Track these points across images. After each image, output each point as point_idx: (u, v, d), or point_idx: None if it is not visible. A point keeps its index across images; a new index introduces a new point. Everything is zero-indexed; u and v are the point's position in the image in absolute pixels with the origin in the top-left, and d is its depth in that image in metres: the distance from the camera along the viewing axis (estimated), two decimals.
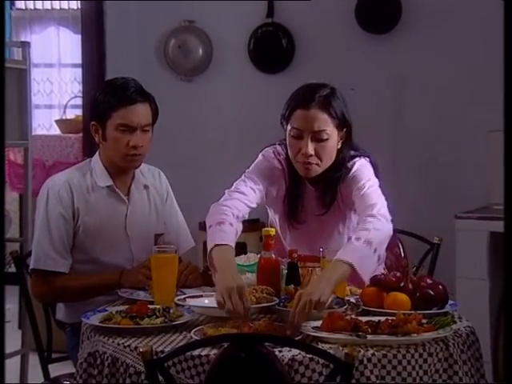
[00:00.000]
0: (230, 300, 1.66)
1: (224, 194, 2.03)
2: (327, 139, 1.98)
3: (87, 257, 2.13)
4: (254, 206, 2.05)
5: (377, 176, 2.05)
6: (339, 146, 2.03)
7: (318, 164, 2.00)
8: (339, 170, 2.04)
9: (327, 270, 1.78)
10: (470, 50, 3.55)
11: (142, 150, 2.12)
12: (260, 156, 2.14)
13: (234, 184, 2.06)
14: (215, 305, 1.76)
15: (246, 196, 2.02)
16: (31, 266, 2.11)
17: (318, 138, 1.97)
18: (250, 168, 2.11)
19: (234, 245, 1.86)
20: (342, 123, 2.01)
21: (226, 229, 1.88)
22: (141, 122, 2.09)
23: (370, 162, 2.08)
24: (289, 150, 2.04)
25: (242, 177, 2.08)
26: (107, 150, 2.14)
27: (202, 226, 3.80)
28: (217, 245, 1.82)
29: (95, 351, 1.66)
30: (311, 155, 1.98)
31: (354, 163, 2.05)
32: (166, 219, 2.27)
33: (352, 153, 2.06)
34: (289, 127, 2.01)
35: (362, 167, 2.04)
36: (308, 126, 1.96)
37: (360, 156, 2.07)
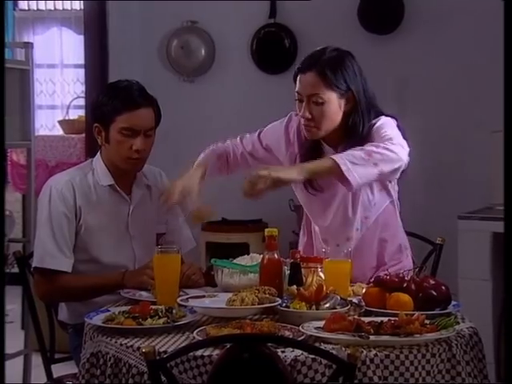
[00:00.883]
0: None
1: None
2: (323, 103, 2.00)
3: (89, 256, 2.14)
4: (247, 156, 2.19)
5: (403, 136, 2.03)
6: (346, 109, 2.03)
7: (316, 127, 2.03)
8: (357, 134, 2.02)
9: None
10: (473, 51, 3.55)
11: (144, 154, 2.13)
12: (279, 120, 2.20)
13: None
14: (218, 305, 1.76)
15: (243, 145, 2.20)
16: (34, 265, 2.11)
17: (314, 101, 2.01)
18: (269, 126, 2.22)
19: (205, 165, 2.13)
20: (344, 87, 2.01)
21: (204, 157, 2.19)
22: (144, 127, 2.10)
23: (397, 124, 2.07)
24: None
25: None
26: (110, 152, 2.15)
27: (205, 227, 3.82)
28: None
29: (98, 351, 1.66)
30: (307, 118, 2.01)
31: (379, 119, 2.05)
32: (167, 219, 2.27)
33: (378, 112, 2.06)
34: (295, 93, 2.06)
35: (386, 121, 2.04)
36: (304, 89, 2.02)
37: (386, 115, 2.07)
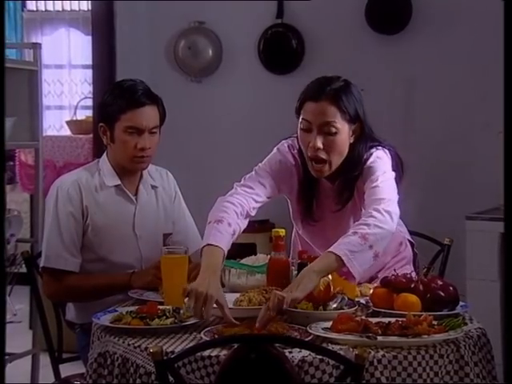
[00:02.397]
0: (195, 304, 1.67)
1: (233, 187, 2.00)
2: (336, 133, 1.93)
3: (95, 256, 2.14)
4: (263, 199, 2.01)
5: (397, 169, 2.00)
6: (351, 141, 1.98)
7: (327, 160, 1.94)
8: (356, 167, 1.98)
9: (314, 262, 1.79)
10: (480, 51, 3.54)
11: (149, 152, 2.13)
12: (275, 149, 2.10)
13: (244, 178, 2.04)
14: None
15: (253, 190, 1.99)
16: (42, 265, 2.12)
17: (326, 131, 1.93)
18: (263, 161, 2.07)
19: (226, 246, 1.83)
20: (354, 117, 1.95)
21: (223, 229, 1.85)
22: (149, 125, 2.10)
23: (390, 153, 2.02)
24: (300, 144, 2.00)
25: (253, 171, 2.05)
26: (115, 151, 2.15)
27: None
28: (208, 244, 1.81)
29: (105, 351, 1.66)
30: (319, 148, 1.93)
31: (371, 154, 1.99)
32: (174, 219, 2.27)
33: (370, 144, 2.00)
34: (299, 120, 1.98)
35: (378, 159, 1.98)
36: (316, 118, 1.93)
37: (378, 147, 2.01)
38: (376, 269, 2.13)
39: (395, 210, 1.87)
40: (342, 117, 1.93)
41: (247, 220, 1.96)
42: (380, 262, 2.12)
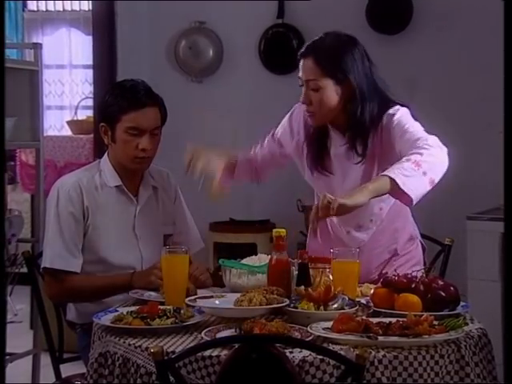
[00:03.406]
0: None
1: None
2: (318, 89, 2.02)
3: (96, 256, 2.14)
4: (268, 157, 2.26)
5: None
6: (344, 96, 2.02)
7: (314, 112, 2.05)
8: (361, 121, 2.03)
9: (369, 182, 1.86)
10: (482, 51, 3.54)
11: (150, 153, 2.13)
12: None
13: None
14: (226, 306, 1.76)
15: (261, 147, 2.28)
16: (43, 265, 2.12)
17: (311, 87, 2.03)
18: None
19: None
20: (340, 74, 2.02)
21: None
22: (150, 126, 2.10)
23: (410, 112, 2.07)
24: None
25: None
26: (116, 151, 2.15)
27: (212, 227, 3.82)
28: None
29: (106, 351, 1.66)
30: (305, 103, 2.05)
31: (398, 110, 2.04)
32: (175, 220, 2.27)
33: (390, 99, 2.07)
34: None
35: (405, 113, 2.03)
36: (302, 75, 2.06)
37: (401, 104, 2.06)
38: (384, 263, 2.14)
39: (440, 143, 1.92)
40: (323, 73, 2.02)
41: (249, 165, 2.28)
42: (390, 249, 2.14)
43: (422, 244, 2.25)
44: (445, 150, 1.92)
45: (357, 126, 2.05)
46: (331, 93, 2.03)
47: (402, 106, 2.07)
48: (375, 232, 2.13)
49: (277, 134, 2.26)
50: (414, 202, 1.85)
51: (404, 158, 1.86)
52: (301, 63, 2.07)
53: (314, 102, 2.03)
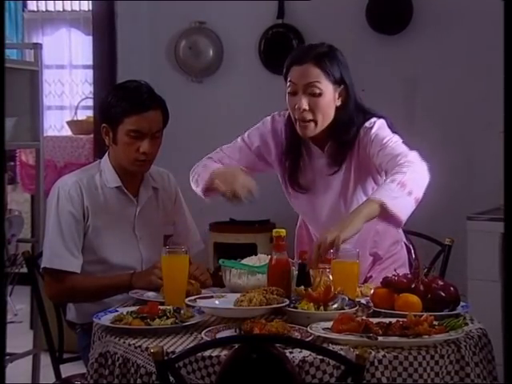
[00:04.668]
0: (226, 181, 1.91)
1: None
2: (320, 94, 1.98)
3: (96, 257, 2.14)
4: (238, 162, 2.14)
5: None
6: (338, 104, 2.02)
7: (313, 120, 2.00)
8: (347, 131, 2.02)
9: (356, 208, 1.84)
10: (481, 51, 3.54)
11: (151, 156, 2.13)
12: (259, 123, 2.19)
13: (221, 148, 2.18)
14: (226, 306, 1.76)
15: (228, 155, 2.16)
16: (43, 265, 2.12)
17: (310, 92, 1.98)
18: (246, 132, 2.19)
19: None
20: (339, 80, 2.01)
21: (211, 164, 2.10)
22: (152, 129, 2.10)
23: (387, 123, 2.05)
24: (288, 108, 2.05)
25: (232, 141, 2.19)
26: (117, 153, 2.15)
27: (213, 228, 3.82)
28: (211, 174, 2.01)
29: (106, 352, 1.66)
30: (305, 109, 1.98)
31: (374, 123, 2.02)
32: (175, 221, 2.27)
33: (365, 114, 2.04)
34: (287, 84, 2.03)
35: (382, 125, 2.02)
36: (301, 79, 1.99)
37: (377, 116, 2.05)
38: (368, 267, 2.14)
39: (420, 158, 1.91)
40: (325, 78, 1.99)
41: None
42: (372, 252, 2.13)
43: (406, 245, 2.26)
44: (425, 165, 1.91)
45: (340, 138, 2.02)
46: (330, 98, 2.01)
47: (379, 117, 2.05)
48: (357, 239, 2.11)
49: (251, 142, 2.17)
50: (403, 224, 1.85)
51: (389, 179, 1.84)
52: (295, 68, 2.01)
53: (313, 107, 1.99)
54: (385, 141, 1.96)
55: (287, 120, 2.11)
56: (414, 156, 1.91)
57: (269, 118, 2.18)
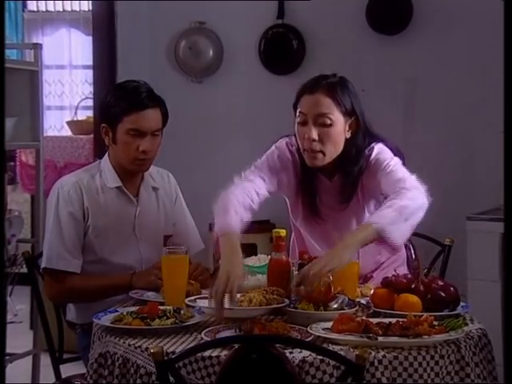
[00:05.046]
0: (222, 284, 1.71)
1: (234, 183, 2.02)
2: (331, 125, 1.96)
3: (96, 257, 2.14)
4: (264, 192, 2.03)
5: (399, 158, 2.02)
6: (348, 136, 2.00)
7: (322, 151, 1.97)
8: (356, 163, 2.01)
9: (350, 233, 1.83)
10: (482, 51, 3.54)
11: (151, 155, 2.13)
12: (273, 147, 2.13)
13: (244, 173, 2.06)
14: (225, 306, 1.76)
15: (254, 184, 2.01)
16: (43, 266, 2.12)
17: (321, 122, 1.96)
18: (262, 157, 2.10)
19: (238, 231, 1.89)
20: (350, 111, 1.99)
21: (231, 217, 1.90)
22: (151, 127, 2.10)
23: (387, 145, 2.04)
24: (297, 138, 2.02)
25: (252, 166, 2.08)
26: (117, 152, 2.15)
27: (212, 228, 3.81)
28: (222, 234, 1.86)
29: (106, 352, 1.66)
30: (314, 140, 1.96)
31: (372, 149, 2.01)
32: (175, 221, 2.27)
33: (370, 140, 2.03)
34: (296, 114, 2.01)
35: (381, 150, 2.01)
36: (311, 110, 1.97)
37: (376, 142, 2.04)
38: (371, 267, 2.14)
39: (419, 184, 1.90)
40: (337, 109, 1.97)
41: (250, 213, 1.98)
42: (375, 260, 2.13)
43: (406, 246, 2.25)
44: (423, 190, 1.90)
45: (349, 170, 2.00)
46: (341, 130, 1.98)
47: (380, 141, 2.04)
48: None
49: (272, 173, 2.08)
50: (399, 249, 1.87)
51: (386, 204, 1.84)
52: (305, 98, 1.98)
53: (323, 138, 1.95)
54: (383, 165, 1.96)
55: (297, 151, 2.06)
56: (412, 181, 1.90)
57: (283, 143, 2.11)
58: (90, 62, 4.35)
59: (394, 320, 1.64)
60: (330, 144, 1.97)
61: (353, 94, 2.01)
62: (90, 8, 4.61)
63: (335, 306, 1.74)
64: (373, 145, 2.03)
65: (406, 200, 1.83)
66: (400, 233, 1.80)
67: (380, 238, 1.79)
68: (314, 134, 1.96)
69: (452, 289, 1.80)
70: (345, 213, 2.07)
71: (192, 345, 1.60)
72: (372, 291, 1.87)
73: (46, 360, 2.60)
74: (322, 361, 1.48)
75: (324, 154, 1.98)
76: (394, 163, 1.97)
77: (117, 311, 1.80)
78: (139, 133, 2.10)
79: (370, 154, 2.01)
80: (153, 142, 2.12)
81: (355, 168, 2.01)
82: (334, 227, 2.08)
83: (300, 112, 1.99)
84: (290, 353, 1.49)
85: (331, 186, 2.07)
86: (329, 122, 1.96)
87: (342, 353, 1.46)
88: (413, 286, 1.80)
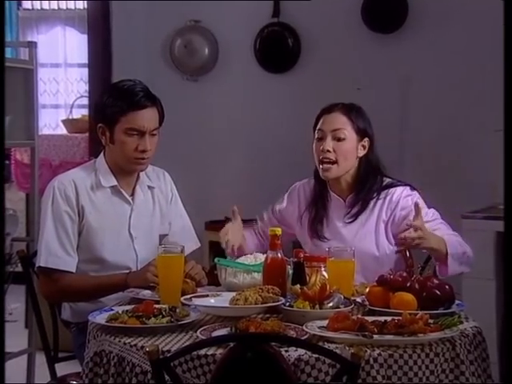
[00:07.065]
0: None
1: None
2: (344, 139, 2.17)
3: (91, 256, 2.14)
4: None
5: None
6: (361, 155, 2.19)
7: (335, 161, 2.16)
8: (366, 181, 2.19)
9: (434, 233, 2.03)
10: (476, 50, 3.54)
11: (149, 154, 2.13)
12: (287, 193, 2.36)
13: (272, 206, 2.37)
14: (221, 304, 1.76)
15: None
16: (37, 264, 2.11)
17: (336, 136, 2.17)
18: (279, 201, 2.36)
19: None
20: (362, 131, 2.19)
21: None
22: (150, 127, 2.11)
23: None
24: (314, 154, 2.21)
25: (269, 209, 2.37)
26: (114, 152, 2.15)
27: (208, 226, 3.82)
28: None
29: (101, 350, 1.66)
30: (328, 150, 2.16)
31: (414, 194, 2.19)
32: (171, 220, 2.27)
33: (390, 181, 2.21)
34: (315, 132, 2.21)
35: (419, 199, 2.18)
36: (329, 126, 2.19)
37: (405, 185, 2.21)
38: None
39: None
40: (350, 126, 2.19)
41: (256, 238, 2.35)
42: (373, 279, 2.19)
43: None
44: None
45: (362, 189, 2.18)
46: (353, 146, 2.18)
47: (406, 185, 2.23)
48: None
49: (276, 211, 2.34)
50: (446, 275, 2.03)
51: (460, 240, 2.08)
52: (324, 117, 2.20)
53: (337, 150, 2.16)
54: (430, 216, 2.14)
55: (315, 171, 2.25)
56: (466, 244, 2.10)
57: (297, 183, 2.34)
58: (85, 61, 4.34)
59: (389, 318, 1.65)
60: (342, 155, 2.17)
61: (366, 119, 2.23)
62: (85, 6, 4.60)
63: (331, 304, 1.74)
64: (409, 188, 2.20)
65: (470, 252, 2.08)
66: (454, 268, 2.03)
67: (443, 259, 2.00)
68: (329, 146, 2.16)
69: (447, 287, 1.80)
70: (351, 231, 2.19)
71: (187, 343, 1.60)
72: (367, 289, 1.88)
73: (40, 359, 2.59)
74: (317, 359, 1.48)
75: (337, 165, 2.17)
76: (436, 217, 2.17)
77: (112, 310, 1.80)
78: (138, 132, 2.10)
79: (410, 195, 2.18)
80: (151, 141, 2.12)
81: (366, 186, 2.19)
82: (344, 243, 2.16)
83: (318, 129, 2.21)
84: (286, 351, 1.50)
85: (344, 205, 2.22)
86: (343, 136, 2.17)
87: (337, 351, 1.46)
88: (408, 284, 1.81)
